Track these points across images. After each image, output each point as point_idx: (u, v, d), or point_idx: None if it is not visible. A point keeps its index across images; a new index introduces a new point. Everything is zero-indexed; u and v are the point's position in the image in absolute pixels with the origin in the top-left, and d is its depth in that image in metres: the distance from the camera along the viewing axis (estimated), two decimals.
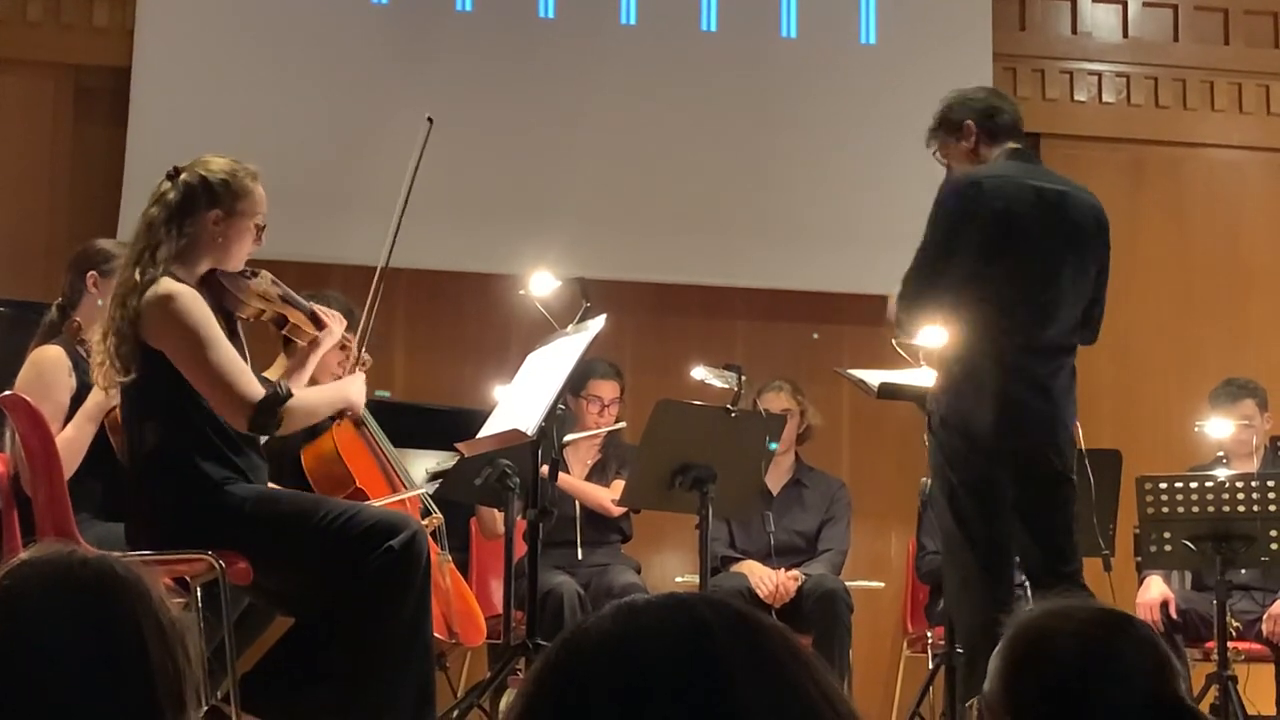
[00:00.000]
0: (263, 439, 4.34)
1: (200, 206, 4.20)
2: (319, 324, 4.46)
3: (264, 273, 4.39)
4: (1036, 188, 4.66)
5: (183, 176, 4.22)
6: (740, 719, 1.09)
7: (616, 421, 6.24)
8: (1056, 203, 4.66)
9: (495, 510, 5.94)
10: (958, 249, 4.59)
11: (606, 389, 6.22)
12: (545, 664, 1.15)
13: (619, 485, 6.04)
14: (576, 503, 6.14)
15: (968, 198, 4.62)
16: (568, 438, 6.04)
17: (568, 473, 6.14)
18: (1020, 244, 4.59)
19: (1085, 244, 4.70)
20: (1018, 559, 4.71)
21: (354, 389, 4.46)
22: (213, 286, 4.26)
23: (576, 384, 6.17)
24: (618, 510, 6.09)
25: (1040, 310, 4.61)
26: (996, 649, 2.23)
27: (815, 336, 6.21)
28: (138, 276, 4.10)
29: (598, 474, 6.31)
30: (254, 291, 4.34)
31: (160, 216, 4.18)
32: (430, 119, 4.51)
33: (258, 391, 4.09)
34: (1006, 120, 4.84)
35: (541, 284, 5.12)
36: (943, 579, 4.85)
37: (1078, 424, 4.77)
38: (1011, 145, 4.79)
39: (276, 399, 4.09)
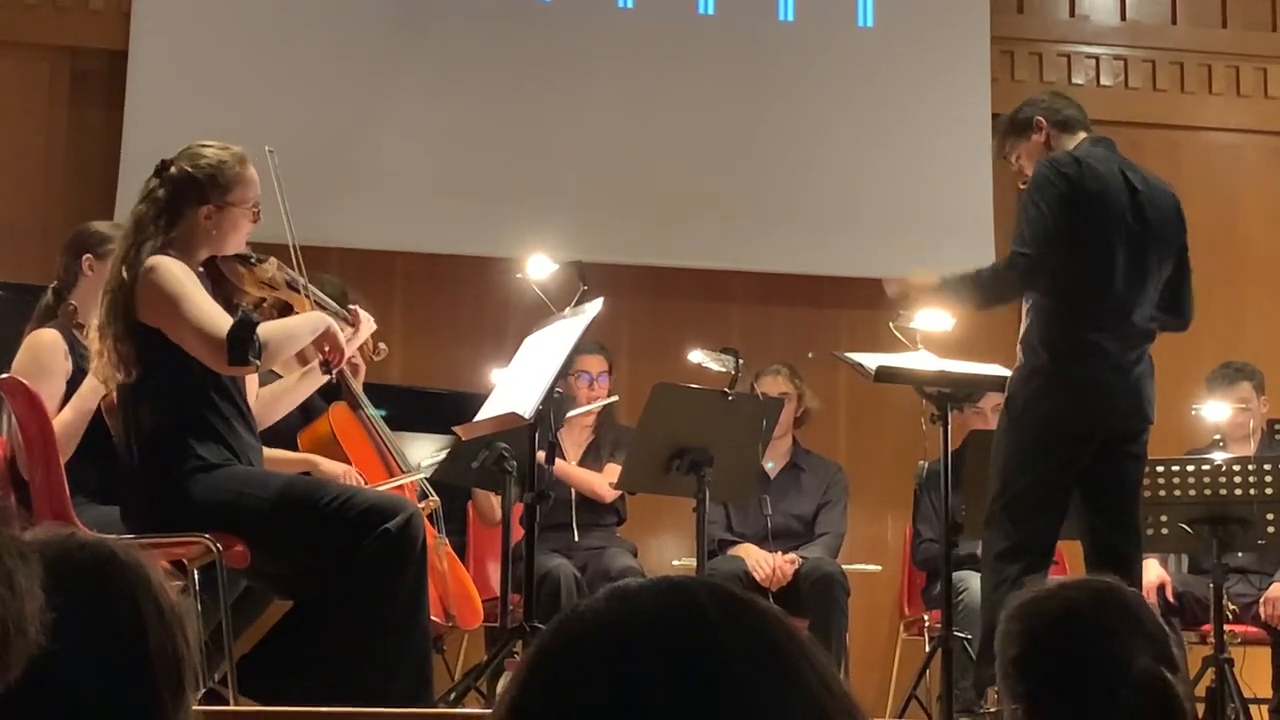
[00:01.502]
0: (261, 429, 4.34)
1: (190, 203, 4.19)
2: (349, 321, 4.45)
3: (271, 259, 4.37)
4: (1125, 174, 4.72)
5: (170, 171, 4.21)
6: (736, 703, 1.09)
7: (609, 395, 6.24)
8: (1143, 190, 4.73)
9: (493, 496, 5.95)
10: (1062, 228, 4.60)
11: (593, 362, 6.22)
12: (539, 648, 1.15)
13: (611, 469, 6.05)
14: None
15: (1071, 175, 4.64)
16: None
17: (563, 457, 6.14)
18: (1112, 227, 4.63)
19: (1168, 233, 4.77)
20: (1082, 541, 4.76)
21: (329, 317, 4.36)
22: (212, 273, 4.27)
23: (563, 365, 6.17)
24: (611, 495, 6.09)
25: (1128, 296, 4.67)
26: (998, 631, 2.24)
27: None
28: (125, 275, 4.10)
29: (591, 456, 6.30)
30: (255, 278, 4.32)
31: (149, 214, 4.19)
32: (271, 150, 4.40)
33: (225, 327, 4.05)
34: (1073, 113, 4.91)
35: (539, 267, 5.11)
36: (981, 572, 4.84)
37: None
38: (1089, 135, 4.84)
39: (244, 325, 4.03)
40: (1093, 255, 4.63)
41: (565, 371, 6.10)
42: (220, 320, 4.06)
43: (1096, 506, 4.69)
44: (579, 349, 6.14)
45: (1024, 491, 4.62)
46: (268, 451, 4.66)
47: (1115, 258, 4.64)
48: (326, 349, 4.28)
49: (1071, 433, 4.62)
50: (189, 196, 4.19)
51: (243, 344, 4.01)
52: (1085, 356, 4.62)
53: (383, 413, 5.34)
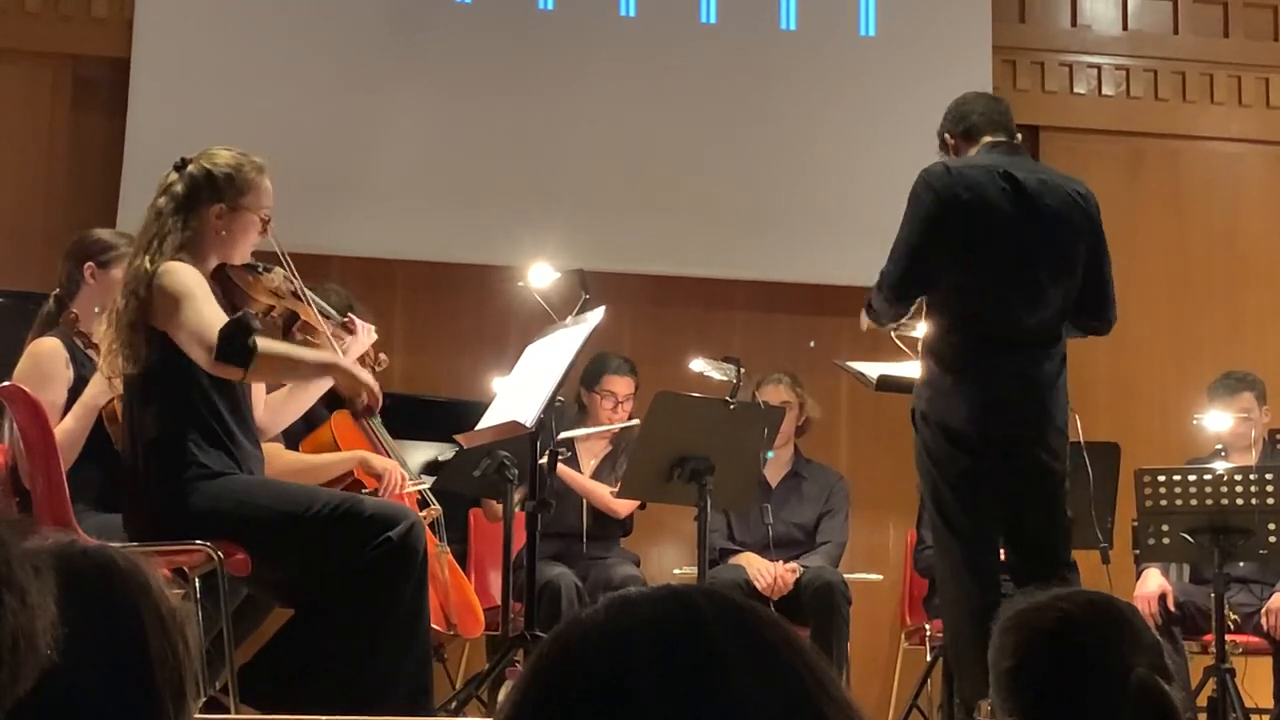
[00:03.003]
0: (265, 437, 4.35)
1: (203, 200, 4.22)
2: (347, 329, 4.45)
3: (277, 269, 4.39)
4: (1011, 176, 4.63)
5: (189, 168, 4.24)
6: (735, 711, 1.09)
7: (630, 418, 6.21)
8: (1033, 191, 4.64)
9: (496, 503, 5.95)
10: (931, 239, 4.58)
11: (621, 385, 6.20)
12: (539, 656, 1.15)
13: None
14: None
15: (936, 186, 4.62)
16: (579, 432, 6.04)
17: (578, 467, 6.14)
18: (992, 233, 4.57)
19: (1067, 231, 4.67)
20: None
21: (347, 360, 4.36)
22: (221, 282, 4.28)
23: (591, 379, 6.17)
24: (625, 511, 6.09)
25: (1017, 300, 4.58)
26: (992, 643, 2.24)
27: (812, 345, 6.20)
28: (148, 265, 4.12)
29: (606, 468, 6.29)
30: (263, 287, 4.33)
31: (168, 207, 4.21)
32: None
33: (219, 323, 4.05)
34: (976, 120, 4.83)
35: (540, 275, 5.12)
36: (936, 576, 4.85)
37: (1075, 416, 4.76)
38: (990, 139, 4.78)
39: (240, 325, 4.03)
40: (970, 263, 4.57)
41: (591, 385, 6.14)
42: (212, 326, 4.06)
43: (1014, 524, 4.63)
44: (609, 367, 6.15)
45: (951, 503, 4.59)
46: (316, 455, 4.66)
47: (997, 263, 4.57)
48: (362, 396, 4.31)
49: (962, 442, 4.57)
50: (203, 194, 4.22)
51: (234, 343, 4.01)
52: (969, 366, 4.56)
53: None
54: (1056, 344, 4.67)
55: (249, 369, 4.07)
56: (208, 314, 4.08)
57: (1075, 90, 7.97)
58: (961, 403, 4.55)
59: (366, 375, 4.31)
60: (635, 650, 1.11)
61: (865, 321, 4.89)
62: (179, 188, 4.22)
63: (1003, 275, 4.57)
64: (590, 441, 6.25)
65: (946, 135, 4.88)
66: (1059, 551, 4.64)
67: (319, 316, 4.41)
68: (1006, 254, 4.57)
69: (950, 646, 4.67)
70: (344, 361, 4.31)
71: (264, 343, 4.07)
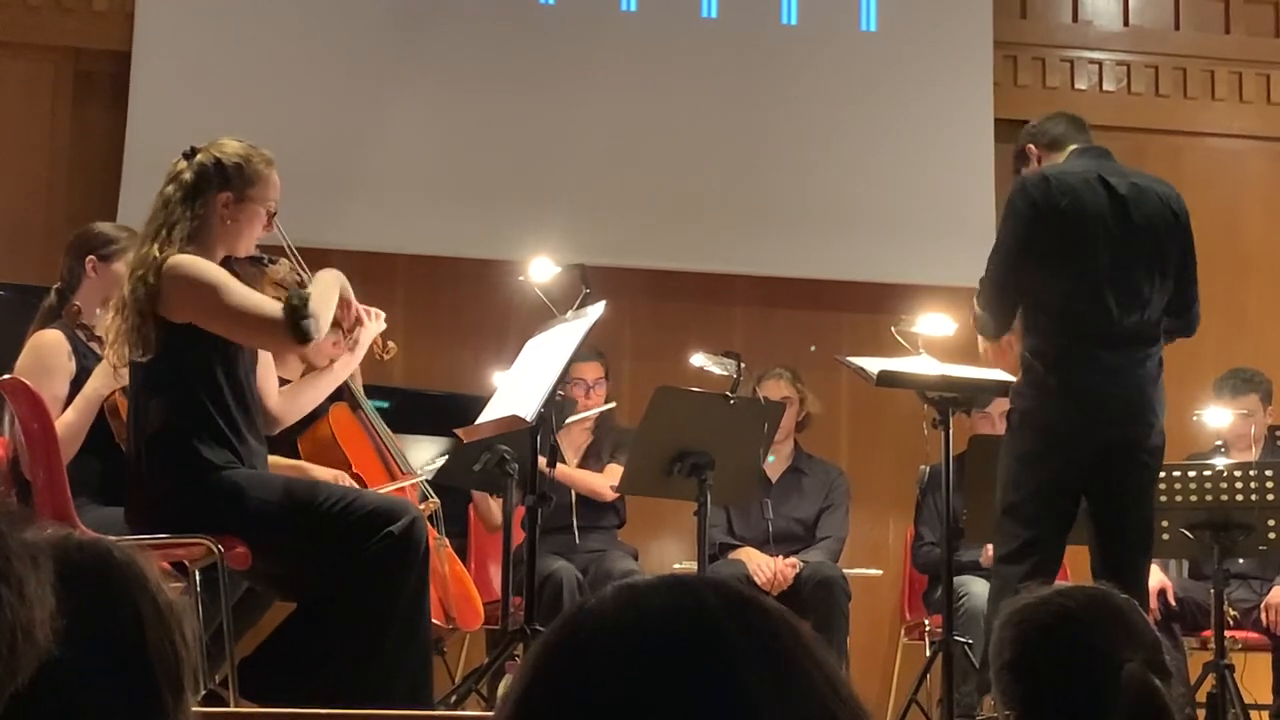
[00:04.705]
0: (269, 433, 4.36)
1: (212, 188, 4.22)
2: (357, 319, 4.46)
3: (283, 260, 4.40)
4: (1106, 181, 4.70)
5: (198, 157, 4.25)
6: (744, 702, 1.09)
7: (606, 401, 6.24)
8: (1127, 195, 4.70)
9: (493, 501, 5.95)
10: (1032, 247, 4.63)
11: (589, 370, 6.21)
12: (545, 645, 1.15)
13: (612, 469, 6.05)
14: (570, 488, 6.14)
15: (1035, 195, 4.67)
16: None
17: (563, 460, 6.14)
18: (1091, 238, 4.63)
19: (1160, 235, 4.73)
20: (1090, 550, 4.75)
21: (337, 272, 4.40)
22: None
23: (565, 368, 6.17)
24: (612, 495, 6.09)
25: (1116, 302, 4.64)
26: (992, 638, 2.25)
27: (813, 349, 6.18)
28: (156, 252, 4.12)
29: (591, 458, 6.31)
30: (270, 279, 4.34)
31: (176, 195, 4.21)
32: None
33: (278, 307, 4.09)
34: (1062, 130, 4.91)
35: (541, 270, 5.12)
36: (991, 581, 4.85)
37: None
38: (1076, 146, 4.83)
39: (298, 300, 4.08)
40: (1070, 267, 4.62)
41: (568, 375, 6.13)
42: (268, 303, 4.10)
43: (1100, 515, 4.68)
44: (575, 356, 6.16)
45: (1024, 500, 4.62)
46: (292, 463, 4.68)
47: (1096, 266, 4.62)
48: (346, 315, 4.35)
49: (1065, 441, 4.60)
50: (211, 182, 4.22)
51: (303, 316, 4.05)
52: (1074, 366, 4.61)
53: (384, 404, 5.34)
54: (1155, 344, 4.75)
55: (319, 333, 4.12)
56: (254, 296, 4.12)
57: (1076, 86, 7.96)
58: (1065, 402, 4.59)
59: (357, 305, 4.38)
60: (644, 641, 1.11)
61: (982, 343, 4.91)
62: (187, 175, 4.23)
63: (1102, 278, 4.63)
64: (571, 434, 6.25)
65: (1030, 147, 4.93)
66: (1147, 549, 4.72)
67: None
68: (1105, 257, 4.64)
69: (986, 640, 4.68)
70: (338, 273, 4.37)
71: (311, 302, 4.11)
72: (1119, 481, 4.67)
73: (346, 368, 4.58)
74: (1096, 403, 4.61)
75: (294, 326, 4.04)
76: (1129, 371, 4.66)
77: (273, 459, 4.87)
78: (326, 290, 4.27)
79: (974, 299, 4.85)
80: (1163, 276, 4.74)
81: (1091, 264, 4.63)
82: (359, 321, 4.43)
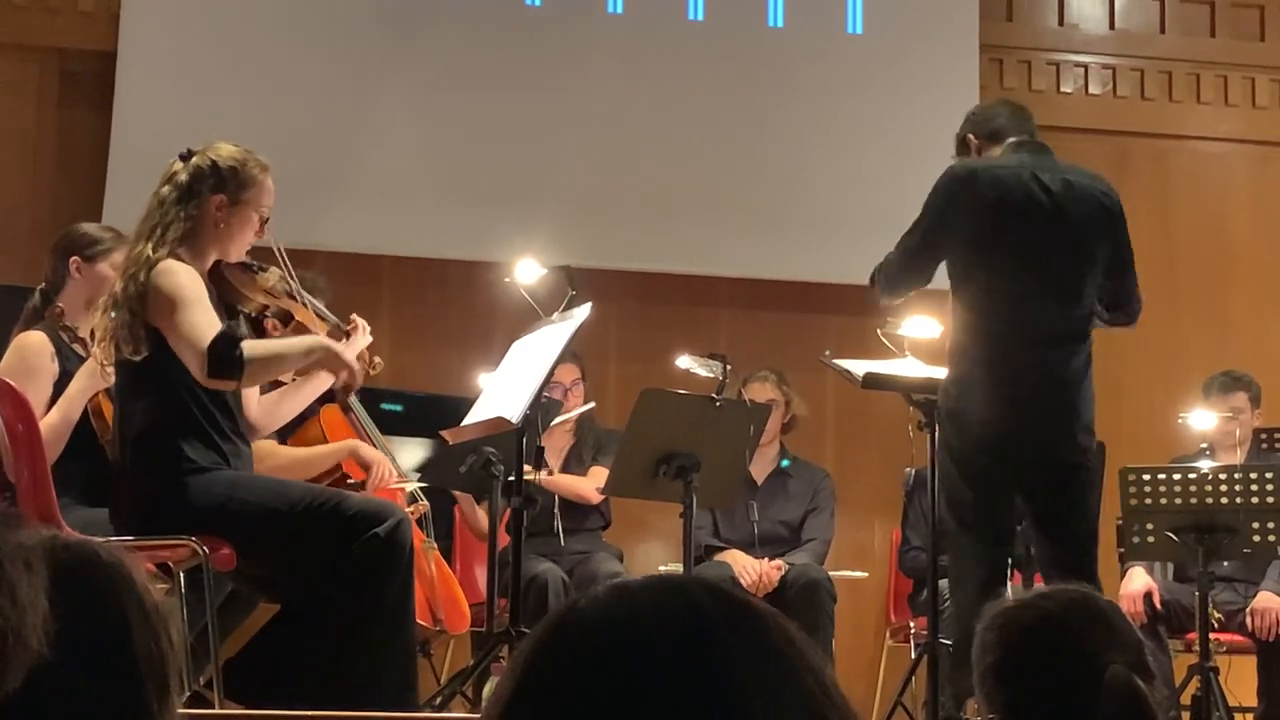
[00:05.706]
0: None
1: (205, 190, 4.22)
2: (340, 332, 4.45)
3: (273, 268, 4.39)
4: (1038, 177, 4.67)
5: (194, 159, 4.25)
6: (736, 704, 1.09)
7: (585, 403, 6.23)
8: (1059, 192, 4.67)
9: (478, 507, 5.94)
10: (944, 236, 4.62)
11: (565, 372, 6.19)
12: (536, 645, 1.14)
13: (596, 471, 6.04)
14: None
15: (958, 186, 4.66)
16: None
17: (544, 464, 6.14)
18: (1019, 233, 4.61)
19: (1091, 231, 4.70)
20: (1033, 552, 4.74)
21: (326, 339, 4.35)
22: (217, 280, 4.27)
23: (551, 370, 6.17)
24: (598, 498, 6.09)
25: (1046, 298, 4.62)
26: (975, 641, 2.25)
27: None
28: (149, 251, 4.12)
29: (574, 460, 6.30)
30: (259, 286, 4.34)
31: (171, 196, 4.22)
32: None
33: (210, 339, 4.05)
34: (1004, 121, 4.87)
35: (527, 272, 5.11)
36: (948, 572, 4.85)
37: None
38: (1015, 139, 4.81)
39: (226, 339, 4.04)
40: (994, 261, 4.61)
41: (553, 377, 6.12)
42: (207, 332, 4.06)
43: (1041, 517, 4.66)
44: (562, 358, 6.15)
45: (968, 501, 4.61)
46: (308, 449, 4.64)
47: (1022, 261, 4.60)
48: (342, 375, 4.29)
49: (991, 440, 4.59)
50: (205, 184, 4.22)
51: (223, 358, 4.02)
52: (996, 364, 4.59)
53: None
54: (1084, 341, 4.72)
55: (241, 379, 4.09)
56: (202, 323, 4.07)
57: (1062, 89, 7.98)
58: (989, 400, 4.57)
59: (350, 356, 4.31)
60: (636, 640, 1.11)
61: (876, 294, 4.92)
62: (183, 176, 4.24)
63: (1029, 274, 4.61)
64: (553, 437, 6.24)
65: (970, 136, 4.90)
66: (1088, 548, 4.68)
67: (315, 317, 4.41)
68: (1033, 252, 4.62)
69: (956, 645, 4.68)
70: (326, 340, 4.32)
71: (250, 347, 4.08)
72: (1056, 482, 4.64)
73: (329, 379, 4.53)
74: (1018, 401, 4.58)
75: (214, 363, 4.02)
76: (1054, 370, 4.62)
77: (281, 448, 4.89)
78: (286, 346, 4.25)
79: (875, 272, 4.85)
80: (1093, 273, 4.70)
81: (1018, 259, 4.60)
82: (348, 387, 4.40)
